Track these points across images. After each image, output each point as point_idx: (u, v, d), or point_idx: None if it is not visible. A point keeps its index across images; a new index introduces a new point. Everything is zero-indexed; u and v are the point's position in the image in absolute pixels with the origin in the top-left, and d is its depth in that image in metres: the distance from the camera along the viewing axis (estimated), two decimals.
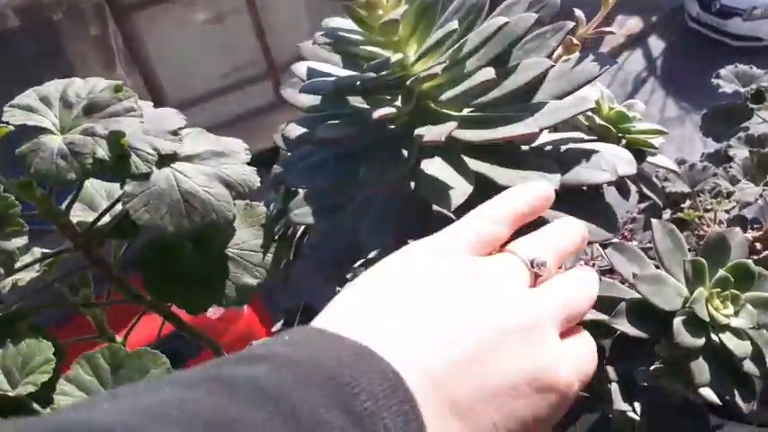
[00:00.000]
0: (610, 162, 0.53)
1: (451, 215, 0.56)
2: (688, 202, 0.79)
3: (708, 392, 0.56)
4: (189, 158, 0.66)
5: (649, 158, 0.73)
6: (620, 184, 0.74)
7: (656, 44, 7.23)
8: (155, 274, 0.72)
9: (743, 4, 6.54)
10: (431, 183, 0.50)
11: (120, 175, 0.62)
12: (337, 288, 0.94)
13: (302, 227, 0.78)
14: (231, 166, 0.68)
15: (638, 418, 0.70)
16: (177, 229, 0.63)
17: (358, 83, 0.51)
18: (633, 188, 0.77)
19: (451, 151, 0.53)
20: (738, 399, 0.57)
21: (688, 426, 0.79)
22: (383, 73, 0.50)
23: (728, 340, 0.56)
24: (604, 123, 0.70)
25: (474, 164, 0.52)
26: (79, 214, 0.72)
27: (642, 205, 0.82)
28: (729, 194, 0.70)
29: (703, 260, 0.57)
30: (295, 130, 0.54)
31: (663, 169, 0.77)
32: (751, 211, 0.81)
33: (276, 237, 0.79)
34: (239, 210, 0.79)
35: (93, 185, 0.76)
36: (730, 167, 0.80)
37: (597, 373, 0.70)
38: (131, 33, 5.19)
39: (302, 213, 0.63)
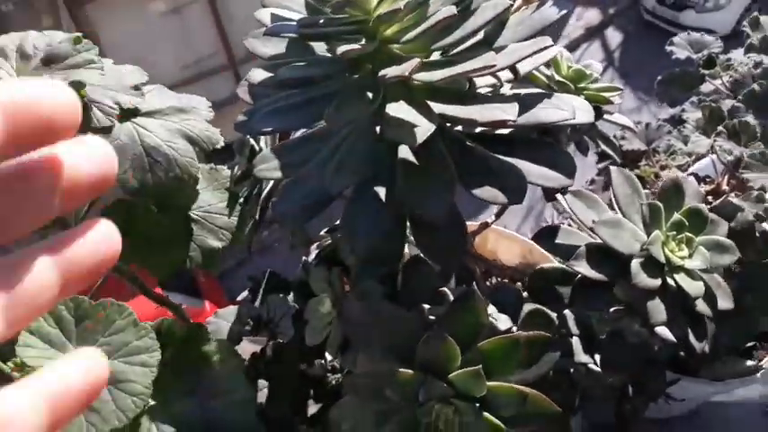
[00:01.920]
0: (569, 104, 0.55)
1: (414, 160, 0.57)
2: (645, 161, 0.81)
3: (664, 331, 0.58)
4: (151, 114, 0.66)
5: (607, 116, 0.75)
6: (579, 141, 0.76)
7: (614, 36, 7.38)
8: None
9: None
10: (396, 123, 0.50)
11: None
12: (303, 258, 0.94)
13: (267, 188, 0.78)
14: (194, 122, 0.68)
15: (598, 369, 0.73)
16: (141, 184, 0.63)
17: (321, 21, 0.51)
18: (592, 148, 0.80)
19: (415, 95, 0.54)
20: (692, 337, 0.59)
21: (646, 377, 0.81)
22: (345, 14, 0.51)
23: (683, 281, 0.58)
24: (563, 80, 0.72)
25: (437, 106, 0.53)
26: None
27: (600, 165, 0.84)
28: (674, 152, 0.73)
29: (660, 204, 0.59)
30: (259, 74, 0.54)
31: (620, 127, 0.79)
32: (704, 170, 0.84)
33: (241, 199, 0.79)
34: (203, 173, 0.79)
35: None
36: (684, 128, 0.82)
37: (558, 321, 0.72)
38: (85, 24, 5.07)
39: (268, 168, 0.63)
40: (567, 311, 0.73)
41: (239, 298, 0.96)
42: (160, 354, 0.56)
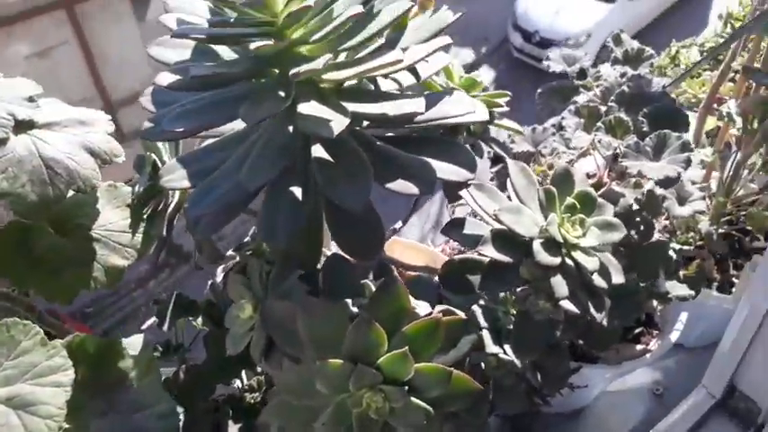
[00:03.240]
0: (468, 101, 0.59)
1: (329, 157, 0.59)
2: (533, 162, 0.88)
3: (567, 304, 0.63)
4: (49, 126, 0.63)
5: (497, 121, 0.81)
6: (474, 144, 0.81)
7: (487, 73, 7.84)
8: (12, 260, 0.67)
9: (558, 36, 7.33)
10: (308, 119, 0.52)
11: None
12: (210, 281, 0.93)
13: (173, 202, 0.77)
14: (95, 135, 0.66)
15: (508, 358, 0.76)
16: (40, 197, 0.60)
17: (231, 20, 0.52)
18: (486, 150, 0.85)
19: (325, 94, 0.56)
20: (592, 309, 0.65)
21: (550, 364, 0.86)
22: (253, 15, 0.52)
23: (580, 257, 0.63)
24: (457, 88, 0.77)
25: (348, 105, 0.55)
26: None
27: (494, 169, 0.89)
28: (558, 154, 0.80)
29: (553, 189, 0.64)
30: (166, 78, 0.54)
31: (509, 131, 0.85)
32: (587, 167, 0.92)
33: (146, 216, 0.76)
34: (101, 190, 0.76)
35: None
36: (564, 132, 0.90)
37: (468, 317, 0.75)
38: None
39: (175, 178, 0.62)
40: (475, 307, 0.77)
41: (145, 326, 0.92)
42: (73, 372, 0.53)
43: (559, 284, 0.62)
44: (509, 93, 0.80)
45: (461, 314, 0.74)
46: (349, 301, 0.59)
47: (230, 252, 0.88)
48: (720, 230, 1.19)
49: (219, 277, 0.89)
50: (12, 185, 0.59)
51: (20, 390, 0.52)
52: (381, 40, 0.59)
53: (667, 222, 1.10)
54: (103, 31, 5.54)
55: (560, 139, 0.91)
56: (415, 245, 1.05)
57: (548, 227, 0.62)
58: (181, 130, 0.54)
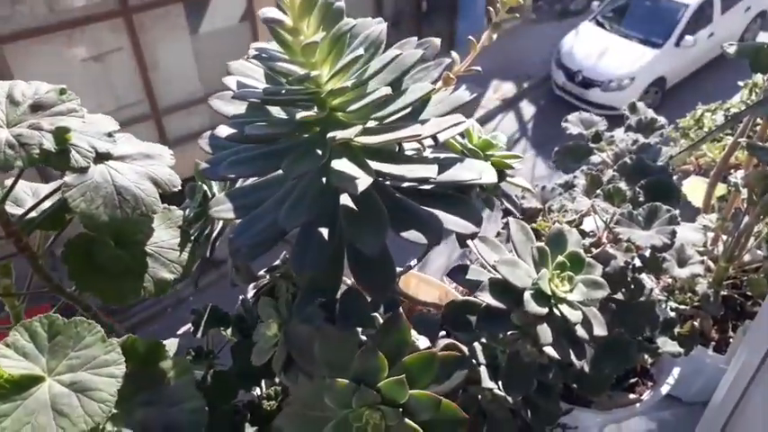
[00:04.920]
0: (477, 168, 0.69)
1: (354, 206, 0.69)
2: (541, 217, 0.96)
3: (551, 350, 0.72)
4: (122, 158, 0.75)
5: (509, 179, 0.91)
6: (486, 198, 0.91)
7: (528, 108, 7.94)
8: (79, 266, 0.78)
9: (601, 77, 7.40)
10: (340, 174, 0.62)
11: (61, 167, 0.69)
12: (242, 297, 1.03)
13: (217, 229, 0.88)
14: (158, 167, 0.77)
15: (502, 394, 0.85)
16: (111, 218, 0.71)
17: (283, 91, 0.63)
18: (498, 204, 0.94)
19: (356, 154, 0.66)
20: (573, 356, 0.73)
21: (540, 399, 0.94)
22: (302, 86, 0.63)
23: (565, 310, 0.72)
24: (474, 148, 0.87)
25: (373, 164, 0.66)
26: (7, 208, 0.77)
27: (505, 220, 0.99)
28: (566, 210, 0.89)
29: (546, 248, 0.73)
30: (225, 130, 0.65)
31: (520, 188, 0.94)
32: (589, 226, 1.01)
33: (192, 238, 0.88)
34: (158, 212, 0.88)
35: (20, 185, 0.82)
36: (573, 191, 0.99)
37: (469, 352, 0.84)
38: (1, 66, 4.99)
39: (223, 210, 0.74)
40: (476, 344, 0.85)
41: (180, 331, 1.03)
42: (125, 366, 0.64)
43: (545, 332, 0.71)
44: (521, 155, 0.89)
45: (465, 348, 0.83)
46: (360, 329, 0.69)
47: (261, 272, 0.99)
48: (723, 292, 1.26)
49: (250, 293, 1.00)
50: (88, 206, 0.70)
51: (81, 377, 0.63)
52: (408, 109, 0.70)
53: (670, 280, 1.17)
54: (157, 41, 5.82)
55: (569, 196, 1.00)
56: (429, 280, 1.14)
57: (539, 280, 0.71)
58: (233, 176, 0.65)
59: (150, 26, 5.77)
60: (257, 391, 0.97)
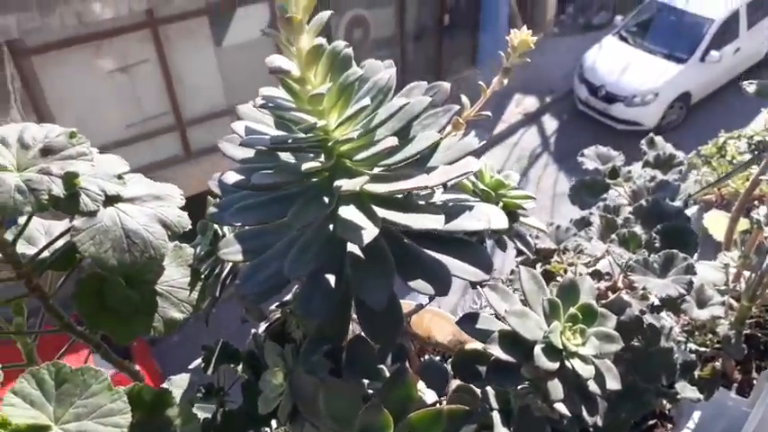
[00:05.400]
0: (485, 215, 0.67)
1: (361, 254, 0.68)
2: (556, 257, 0.95)
3: (561, 407, 0.70)
4: (131, 200, 0.75)
5: (523, 219, 0.89)
6: (499, 239, 0.89)
7: (550, 123, 7.88)
8: (90, 306, 0.78)
9: (625, 92, 7.32)
10: (346, 224, 0.62)
11: (71, 211, 0.69)
12: (253, 331, 1.03)
13: (227, 268, 0.87)
14: (168, 209, 0.77)
15: None
16: (119, 262, 0.71)
17: (290, 140, 0.62)
18: (510, 244, 0.93)
19: (363, 201, 0.65)
20: (585, 413, 0.71)
21: None
22: (310, 135, 0.63)
23: (577, 365, 0.70)
24: (486, 188, 0.86)
25: (380, 211, 0.65)
26: (20, 247, 0.78)
27: (519, 258, 0.97)
28: (581, 251, 0.87)
29: (558, 299, 0.71)
30: (232, 177, 0.65)
31: (534, 229, 0.93)
32: (607, 266, 0.99)
33: (202, 276, 0.87)
34: (169, 250, 0.88)
35: (33, 223, 0.82)
36: (589, 230, 0.97)
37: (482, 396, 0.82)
38: (30, 76, 5.08)
39: (231, 252, 0.73)
40: (488, 388, 0.84)
41: (191, 366, 1.02)
42: (131, 416, 0.63)
43: (556, 388, 0.69)
44: (534, 196, 0.87)
45: (477, 391, 0.82)
46: (366, 381, 0.68)
47: (273, 307, 0.99)
48: (746, 332, 1.22)
49: (262, 328, 0.99)
50: (97, 250, 0.70)
51: (86, 426, 0.62)
52: (417, 156, 0.69)
53: (688, 320, 1.14)
54: (183, 53, 5.90)
55: (585, 235, 0.98)
56: (443, 314, 1.13)
57: (550, 334, 0.70)
58: (239, 223, 0.64)
59: (175, 38, 5.85)
60: (266, 430, 0.96)
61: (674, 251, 0.81)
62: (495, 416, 0.82)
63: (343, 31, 6.70)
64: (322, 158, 0.64)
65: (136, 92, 5.80)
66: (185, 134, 6.21)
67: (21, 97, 4.93)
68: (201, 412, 0.90)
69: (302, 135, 0.64)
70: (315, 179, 0.69)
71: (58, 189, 0.67)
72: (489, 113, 0.74)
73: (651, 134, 1.14)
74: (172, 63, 5.87)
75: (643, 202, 0.89)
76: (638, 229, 0.85)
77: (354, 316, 0.74)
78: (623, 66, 7.55)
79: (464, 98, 0.75)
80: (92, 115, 5.50)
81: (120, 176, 0.75)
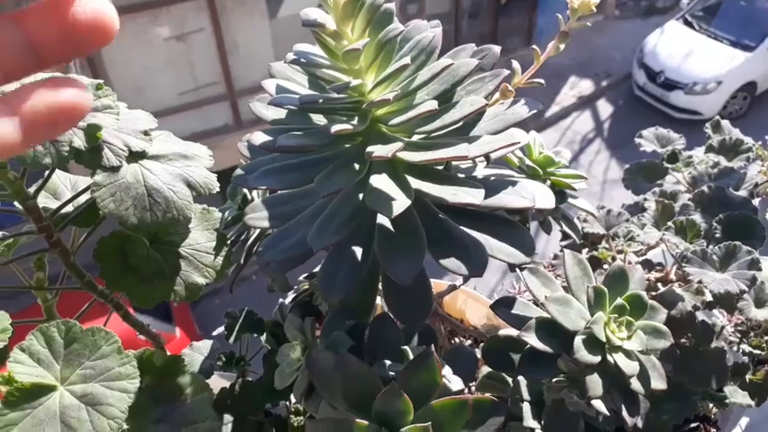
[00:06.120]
0: (530, 192, 0.62)
1: (391, 227, 0.63)
2: (604, 244, 0.88)
3: (599, 405, 0.64)
4: (157, 158, 0.72)
5: (571, 200, 0.83)
6: (544, 221, 0.83)
7: (605, 108, 7.63)
8: (111, 265, 0.76)
9: (685, 79, 7.01)
10: (376, 194, 0.57)
11: (92, 166, 0.66)
12: (280, 300, 0.99)
13: (254, 235, 0.84)
14: (195, 169, 0.74)
15: None
16: (139, 221, 0.68)
17: (321, 101, 0.58)
18: (556, 226, 0.87)
19: (397, 170, 0.61)
20: (625, 413, 0.65)
21: None
22: (343, 95, 0.58)
23: (620, 360, 0.64)
24: (533, 165, 0.79)
25: (414, 182, 0.60)
26: (44, 201, 0.76)
27: (563, 243, 0.91)
28: (632, 238, 0.80)
29: (604, 288, 0.65)
30: (260, 138, 0.60)
31: (583, 212, 0.86)
32: (658, 256, 0.91)
33: (229, 241, 0.84)
34: (196, 213, 0.85)
35: (58, 176, 0.80)
36: (643, 216, 0.90)
37: (513, 386, 0.77)
38: None
39: (257, 217, 0.69)
40: (520, 377, 0.78)
41: (215, 333, 1.00)
42: (139, 381, 0.61)
43: (595, 383, 0.63)
44: (585, 175, 0.81)
45: (509, 380, 0.76)
46: (388, 362, 0.63)
47: (301, 278, 0.95)
48: None
49: (289, 299, 0.96)
50: (117, 207, 0.67)
51: (93, 389, 0.60)
52: (458, 124, 0.63)
53: (742, 319, 1.06)
54: (237, 23, 5.91)
55: (638, 222, 0.91)
56: (479, 298, 1.08)
57: (592, 324, 0.64)
58: (264, 187, 0.60)
59: (231, 8, 5.86)
60: (285, 404, 0.93)
61: (737, 243, 0.73)
62: (526, 407, 0.77)
63: (398, 3, 6.61)
64: (355, 121, 0.59)
65: (190, 60, 5.85)
66: (236, 104, 6.25)
67: (80, 62, 5.03)
68: (221, 380, 0.87)
69: (335, 95, 0.59)
70: (347, 144, 0.65)
71: (80, 141, 0.64)
72: (542, 81, 0.67)
73: (717, 117, 1.05)
74: (227, 33, 5.90)
75: (705, 188, 0.81)
76: (697, 218, 0.78)
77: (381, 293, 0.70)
78: (686, 52, 7.22)
79: (515, 63, 0.68)
80: (147, 83, 5.58)
81: (146, 132, 0.72)
